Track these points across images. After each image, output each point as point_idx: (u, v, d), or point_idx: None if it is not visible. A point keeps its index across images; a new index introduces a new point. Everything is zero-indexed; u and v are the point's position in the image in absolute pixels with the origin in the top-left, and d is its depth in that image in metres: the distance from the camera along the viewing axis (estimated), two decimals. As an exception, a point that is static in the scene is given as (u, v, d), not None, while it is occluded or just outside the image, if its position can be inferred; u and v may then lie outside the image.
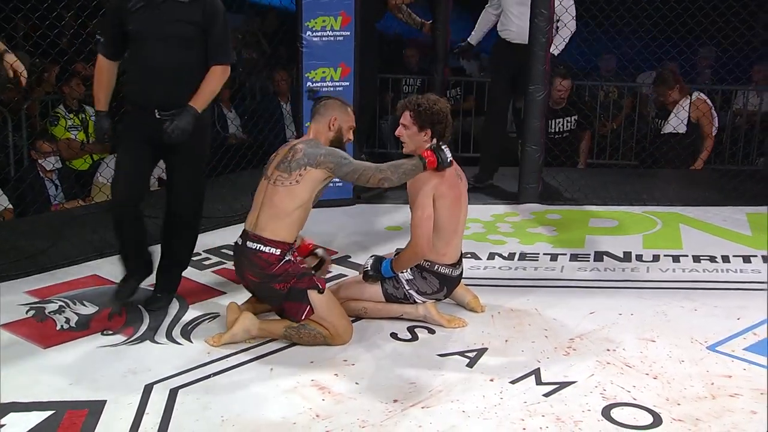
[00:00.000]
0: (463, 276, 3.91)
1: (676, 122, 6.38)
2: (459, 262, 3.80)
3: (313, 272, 3.64)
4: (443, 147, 3.59)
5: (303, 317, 3.52)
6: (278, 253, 3.51)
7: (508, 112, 6.12)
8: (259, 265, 3.52)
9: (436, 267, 3.70)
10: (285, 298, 3.54)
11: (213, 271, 4.40)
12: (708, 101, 6.49)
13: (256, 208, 3.60)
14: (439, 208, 3.62)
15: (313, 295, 3.53)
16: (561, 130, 6.84)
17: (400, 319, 3.76)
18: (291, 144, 3.71)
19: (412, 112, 3.62)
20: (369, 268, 3.73)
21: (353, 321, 3.69)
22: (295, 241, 3.63)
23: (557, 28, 5.64)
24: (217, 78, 3.64)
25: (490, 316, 3.85)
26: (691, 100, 6.37)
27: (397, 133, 3.72)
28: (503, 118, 6.05)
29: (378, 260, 3.75)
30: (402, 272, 3.70)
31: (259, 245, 3.52)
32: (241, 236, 3.62)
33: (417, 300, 3.74)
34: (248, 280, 3.61)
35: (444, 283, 3.75)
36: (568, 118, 6.85)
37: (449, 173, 3.65)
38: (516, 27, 5.61)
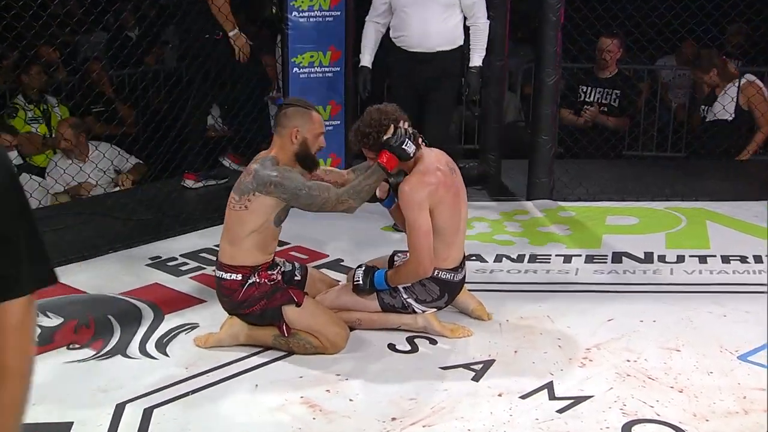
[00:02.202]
0: (467, 280, 3.91)
1: (718, 108, 6.33)
2: (461, 265, 3.78)
3: (285, 285, 3.62)
4: (401, 136, 3.51)
5: (287, 333, 3.55)
6: (239, 278, 3.52)
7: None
8: (224, 294, 3.58)
9: (435, 272, 3.66)
10: (261, 321, 3.57)
11: (191, 278, 4.40)
12: (760, 85, 6.38)
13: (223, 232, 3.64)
14: (440, 213, 3.59)
15: (288, 311, 3.53)
16: (599, 101, 6.44)
17: (399, 330, 3.75)
18: (253, 160, 3.63)
19: (365, 148, 3.61)
20: (359, 281, 3.70)
21: (346, 331, 3.69)
22: (267, 260, 3.60)
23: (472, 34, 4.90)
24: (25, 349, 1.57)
25: (498, 325, 3.85)
26: (739, 84, 6.31)
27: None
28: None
29: (368, 272, 3.71)
30: None
31: (221, 273, 3.57)
32: None
33: (416, 309, 3.71)
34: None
35: (445, 290, 3.72)
36: (609, 91, 6.43)
37: (442, 171, 3.62)
38: (415, 32, 4.81)
